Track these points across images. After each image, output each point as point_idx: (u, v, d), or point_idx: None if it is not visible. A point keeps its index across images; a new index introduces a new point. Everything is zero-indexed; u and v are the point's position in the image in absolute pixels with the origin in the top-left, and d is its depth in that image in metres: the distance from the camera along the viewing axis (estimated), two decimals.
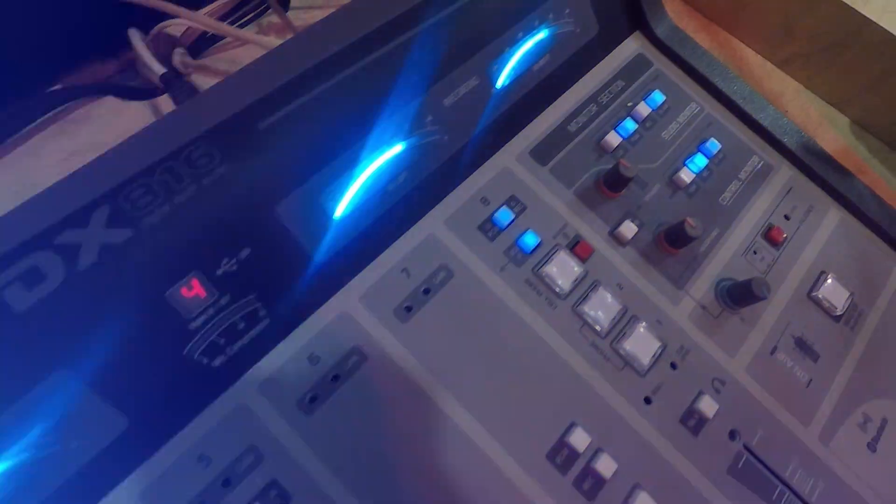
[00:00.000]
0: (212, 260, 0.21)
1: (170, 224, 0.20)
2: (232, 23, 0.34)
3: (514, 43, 0.28)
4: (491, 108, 0.28)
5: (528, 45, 0.29)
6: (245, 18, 0.35)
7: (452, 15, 0.27)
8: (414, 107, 0.25)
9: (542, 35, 0.29)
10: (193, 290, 0.21)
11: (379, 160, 0.25)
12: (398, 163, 0.25)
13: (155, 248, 0.20)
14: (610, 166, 0.29)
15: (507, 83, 0.28)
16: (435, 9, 0.26)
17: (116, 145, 0.21)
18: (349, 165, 0.24)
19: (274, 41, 0.32)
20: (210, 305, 0.21)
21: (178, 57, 0.33)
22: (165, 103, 0.35)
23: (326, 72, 0.23)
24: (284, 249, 0.23)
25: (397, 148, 0.25)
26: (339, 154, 0.24)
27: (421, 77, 0.26)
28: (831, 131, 0.41)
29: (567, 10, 0.30)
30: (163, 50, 0.36)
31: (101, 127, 0.33)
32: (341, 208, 0.24)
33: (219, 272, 0.21)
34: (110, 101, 0.35)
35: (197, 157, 0.21)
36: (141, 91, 0.35)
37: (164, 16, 0.33)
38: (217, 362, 0.22)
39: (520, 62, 0.29)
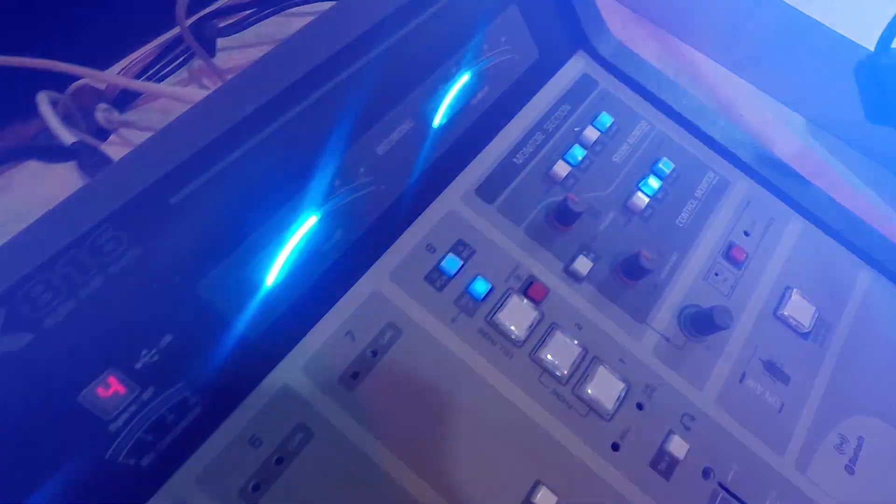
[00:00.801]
0: (129, 354, 0.20)
1: (76, 321, 0.19)
2: (157, 71, 0.32)
3: (449, 79, 0.27)
4: (429, 150, 0.27)
5: (463, 79, 0.27)
6: (171, 66, 0.33)
7: (379, 58, 0.25)
8: (344, 160, 0.24)
9: (477, 67, 0.28)
10: (111, 388, 0.19)
11: (309, 221, 0.23)
12: (331, 221, 0.24)
13: (60, 349, 0.19)
14: (561, 198, 0.28)
15: (444, 122, 0.27)
16: (359, 53, 0.25)
17: (12, 237, 0.19)
18: (276, 231, 0.23)
19: (194, 93, 0.30)
20: (132, 402, 0.20)
21: (101, 113, 0.32)
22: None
23: (243, 134, 0.22)
24: (212, 330, 0.21)
25: (329, 206, 0.24)
26: (264, 220, 0.22)
27: (349, 128, 0.24)
28: (788, 133, 0.40)
29: (503, 38, 0.29)
30: (88, 103, 0.34)
31: (23, 194, 0.31)
32: (272, 277, 0.22)
33: (138, 365, 0.20)
34: (33, 166, 0.33)
35: (103, 243, 0.19)
36: (65, 151, 0.33)
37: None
38: (146, 461, 0.20)
39: (456, 98, 0.27)
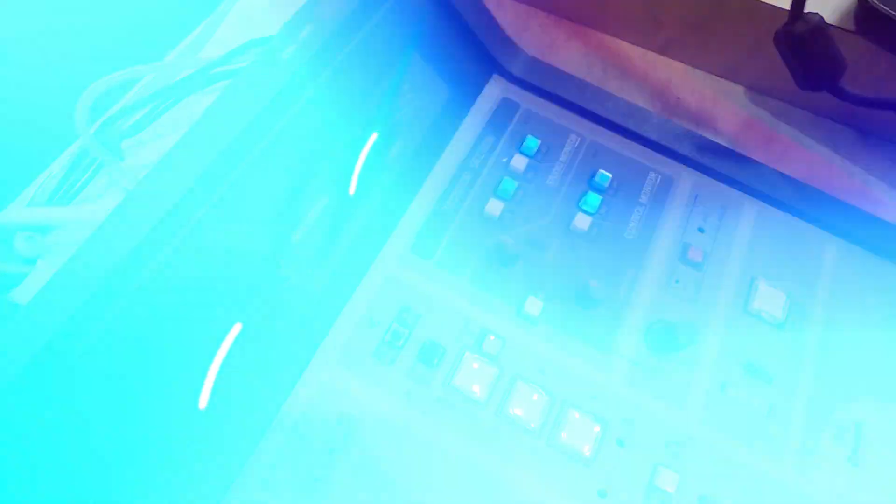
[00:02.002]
0: None
1: None
2: (69, 188, 0.31)
3: (357, 142, 0.26)
4: (350, 221, 0.25)
5: (372, 139, 0.26)
6: (82, 179, 0.32)
7: (279, 136, 0.24)
8: (257, 261, 0.23)
9: (386, 122, 0.27)
10: None
11: (234, 330, 0.22)
12: (262, 324, 0.23)
13: None
14: (501, 238, 0.26)
15: (361, 188, 0.26)
16: (258, 136, 0.23)
17: None
18: (200, 351, 0.21)
19: (103, 208, 0.29)
20: None
21: (22, 243, 0.30)
22: None
23: (151, 256, 0.21)
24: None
25: (254, 310, 0.22)
26: (187, 339, 0.21)
27: (258, 224, 0.23)
28: (730, 105, 0.39)
29: (407, 87, 0.27)
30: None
31: None
32: (204, 399, 0.21)
33: None
34: None
35: None
36: None
37: None
38: None
39: (370, 160, 0.26)
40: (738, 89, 0.39)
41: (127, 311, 0.20)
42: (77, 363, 0.19)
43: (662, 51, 0.40)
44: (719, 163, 0.30)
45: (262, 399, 0.23)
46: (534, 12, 0.43)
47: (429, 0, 0.29)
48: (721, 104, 0.38)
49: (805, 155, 0.37)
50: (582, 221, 0.28)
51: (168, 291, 0.21)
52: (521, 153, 0.29)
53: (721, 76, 0.40)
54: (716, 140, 0.37)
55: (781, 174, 0.30)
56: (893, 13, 0.29)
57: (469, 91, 0.30)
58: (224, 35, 0.38)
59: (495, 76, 0.31)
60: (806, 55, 0.27)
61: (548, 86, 0.31)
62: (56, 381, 0.19)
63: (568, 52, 0.40)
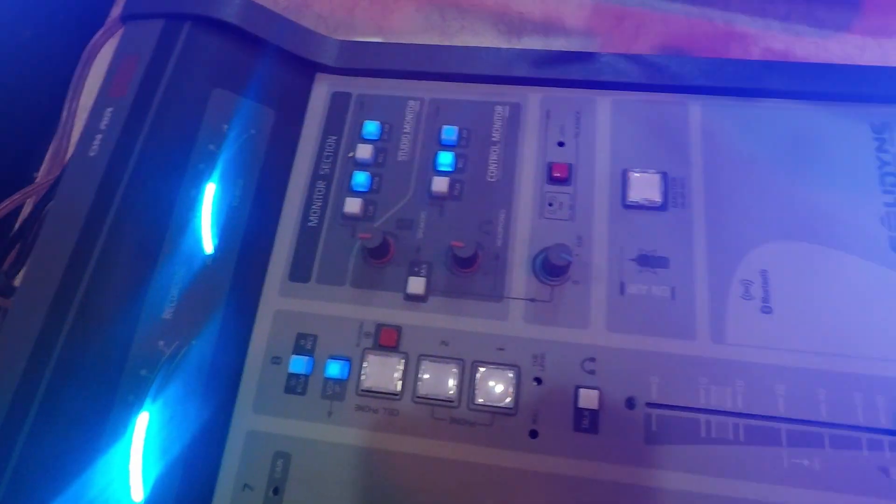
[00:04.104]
0: None
1: None
2: None
3: (193, 201, 0.26)
4: (219, 278, 0.26)
5: (209, 190, 0.26)
6: None
7: (115, 226, 0.24)
8: (135, 348, 0.23)
9: (217, 168, 0.27)
10: None
11: (143, 419, 0.23)
12: (165, 405, 0.23)
13: None
14: (368, 232, 0.26)
15: (217, 242, 0.26)
16: (94, 234, 0.24)
17: None
18: (115, 444, 0.22)
19: None
20: None
21: None
22: None
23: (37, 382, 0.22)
24: None
25: (153, 396, 0.23)
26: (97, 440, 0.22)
27: (123, 313, 0.23)
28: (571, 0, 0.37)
29: (224, 126, 0.27)
30: None
31: None
32: (137, 493, 0.22)
33: None
34: None
35: None
36: None
37: None
38: None
39: (215, 212, 0.26)
40: None
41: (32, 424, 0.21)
42: None
43: None
44: (560, 69, 0.29)
45: (197, 471, 0.24)
46: None
47: (218, 38, 0.28)
48: (563, 2, 0.37)
49: (660, 20, 0.35)
50: (440, 184, 0.27)
51: (66, 396, 0.22)
52: (366, 140, 0.29)
53: None
54: (568, 39, 0.36)
55: (625, 56, 0.29)
56: None
57: (295, 101, 0.30)
58: None
59: (318, 75, 0.31)
60: None
61: (371, 63, 0.30)
62: None
63: (403, 14, 0.39)
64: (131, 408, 0.23)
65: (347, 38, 0.34)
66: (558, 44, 0.36)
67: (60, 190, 0.25)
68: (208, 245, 0.26)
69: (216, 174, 0.27)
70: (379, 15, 0.39)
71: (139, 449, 0.23)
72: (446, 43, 0.37)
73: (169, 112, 0.26)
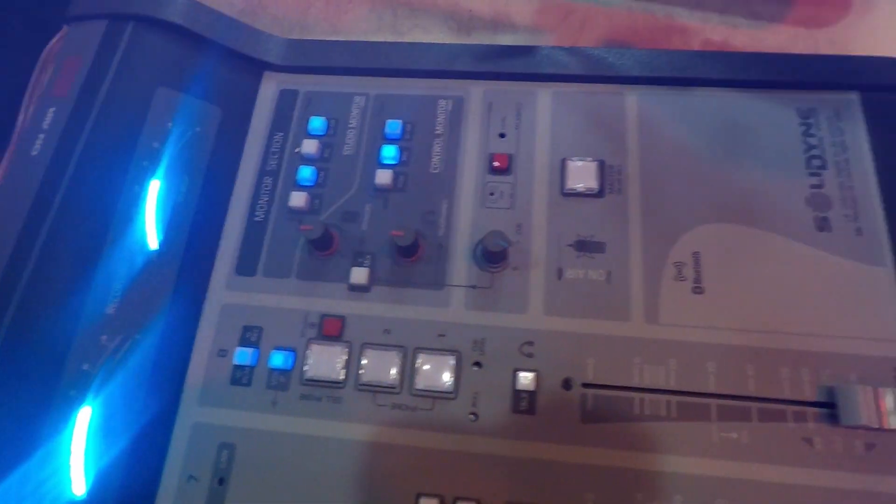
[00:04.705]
0: None
1: None
2: None
3: (137, 198, 0.26)
4: (165, 274, 0.26)
5: (154, 187, 0.27)
6: None
7: (56, 225, 0.24)
8: (77, 343, 0.24)
9: (162, 166, 0.27)
10: None
11: (85, 412, 0.23)
12: (111, 398, 0.24)
13: None
14: (313, 225, 0.27)
15: (162, 238, 0.26)
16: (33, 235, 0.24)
17: None
18: (57, 441, 0.22)
19: None
20: None
21: None
22: None
23: None
24: None
25: (97, 390, 0.23)
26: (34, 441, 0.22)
27: (65, 308, 0.24)
28: None
29: (169, 124, 0.27)
30: None
31: None
32: (79, 487, 0.23)
33: None
34: None
35: None
36: None
37: None
38: None
39: (160, 208, 0.26)
40: None
41: None
42: None
43: None
44: (501, 62, 0.30)
45: (141, 464, 0.24)
46: None
47: (162, 38, 0.28)
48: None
49: (605, 14, 0.36)
50: (384, 177, 0.28)
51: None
52: (311, 135, 0.29)
53: None
54: (516, 35, 0.36)
55: (565, 49, 0.30)
56: None
57: (244, 100, 0.30)
58: None
59: (267, 73, 0.31)
60: None
61: (318, 60, 0.31)
62: None
63: (356, 14, 0.40)
64: (73, 402, 0.23)
65: (301, 38, 0.34)
66: (507, 39, 0.36)
67: (1, 189, 0.25)
68: (153, 241, 0.26)
69: (160, 171, 0.27)
70: (333, 15, 0.40)
71: (81, 443, 0.23)
72: (399, 41, 0.38)
73: (111, 111, 0.26)
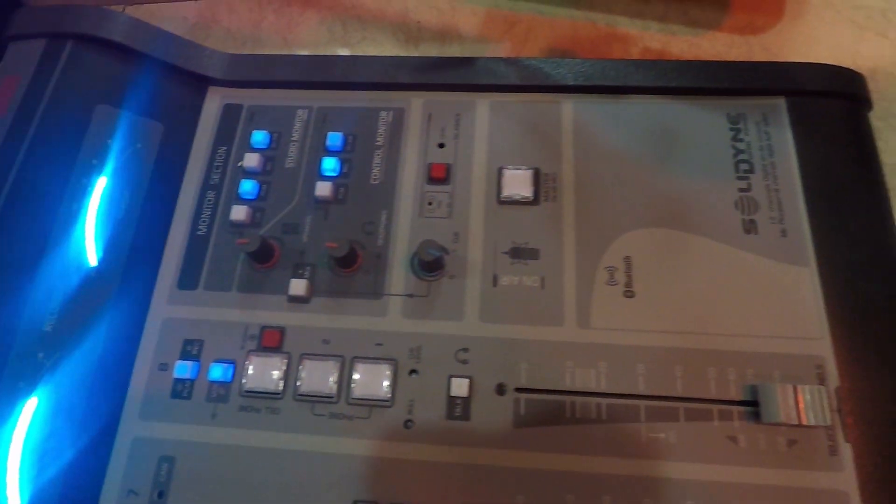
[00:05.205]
0: None
1: None
2: None
3: (76, 214, 0.26)
4: (104, 290, 0.26)
5: (93, 201, 0.27)
6: None
7: None
8: (12, 361, 0.24)
9: (99, 185, 0.27)
10: None
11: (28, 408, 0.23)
12: (51, 410, 0.24)
13: None
14: (252, 238, 0.27)
15: (102, 255, 0.26)
16: None
17: None
18: None
19: None
20: None
21: None
22: None
23: None
24: None
25: (37, 404, 0.24)
26: None
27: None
28: (466, 8, 0.39)
29: (108, 141, 0.28)
30: None
31: None
32: (14, 493, 0.23)
33: None
34: None
35: None
36: None
37: None
38: None
39: (100, 224, 0.27)
40: None
41: None
42: None
43: None
44: (441, 74, 0.31)
45: (80, 479, 0.24)
46: (266, 3, 0.42)
47: (102, 56, 0.29)
48: (458, 10, 0.38)
49: (548, 24, 0.37)
50: (323, 189, 0.28)
51: None
52: (254, 148, 0.30)
53: None
54: (462, 46, 0.37)
55: (503, 59, 0.31)
56: None
57: (187, 115, 0.30)
58: None
59: (212, 88, 0.32)
60: None
61: (261, 74, 0.31)
62: None
63: (307, 27, 0.40)
64: (10, 419, 0.23)
65: (255, 52, 0.34)
66: (454, 50, 0.37)
67: None
68: (92, 258, 0.26)
69: (100, 188, 0.27)
70: (284, 28, 0.40)
71: (16, 461, 0.23)
72: (349, 53, 0.38)
73: (49, 129, 0.27)
